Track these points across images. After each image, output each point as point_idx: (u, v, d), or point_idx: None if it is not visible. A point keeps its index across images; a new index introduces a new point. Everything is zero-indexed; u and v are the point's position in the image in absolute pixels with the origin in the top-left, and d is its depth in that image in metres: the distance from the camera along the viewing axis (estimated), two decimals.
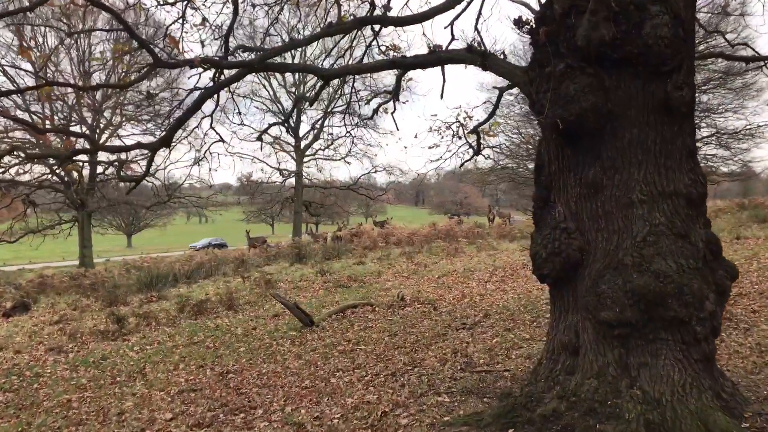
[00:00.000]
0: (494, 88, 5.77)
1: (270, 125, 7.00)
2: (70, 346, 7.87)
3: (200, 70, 4.16)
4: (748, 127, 19.47)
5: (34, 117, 26.02)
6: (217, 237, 46.15)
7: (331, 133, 31.83)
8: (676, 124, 3.34)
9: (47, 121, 25.97)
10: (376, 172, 33.47)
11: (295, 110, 29.65)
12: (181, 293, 12.44)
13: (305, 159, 32.54)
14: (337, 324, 7.89)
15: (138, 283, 13.87)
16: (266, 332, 7.84)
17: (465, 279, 11.11)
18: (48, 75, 25.81)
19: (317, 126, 31.79)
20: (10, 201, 25.47)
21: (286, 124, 7.21)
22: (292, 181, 32.63)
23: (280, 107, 31.82)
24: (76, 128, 26.81)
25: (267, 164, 32.66)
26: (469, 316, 7.60)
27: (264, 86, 31.53)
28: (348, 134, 27.98)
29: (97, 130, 27.58)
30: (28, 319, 10.38)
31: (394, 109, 5.78)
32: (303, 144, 32.18)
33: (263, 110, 31.88)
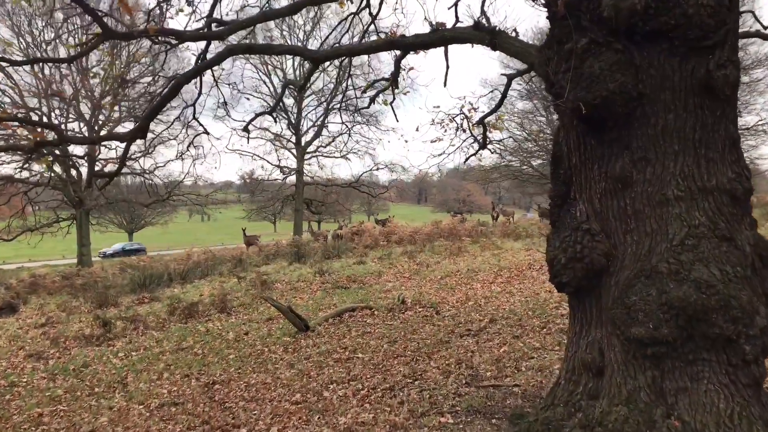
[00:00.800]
0: (502, 75, 5.29)
1: (256, 115, 6.50)
2: (51, 352, 7.45)
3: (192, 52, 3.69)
4: (761, 122, 18.96)
5: (32, 113, 25.59)
6: (133, 242, 39.08)
7: (326, 125, 31.32)
8: (719, 109, 2.87)
9: (44, 118, 25.55)
10: (378, 169, 33.07)
11: (288, 100, 29.31)
12: (174, 294, 12.03)
13: (306, 156, 32.15)
14: (334, 329, 7.44)
15: (131, 284, 13.45)
16: (258, 337, 7.40)
17: (468, 280, 10.65)
18: (44, 70, 25.45)
19: (318, 123, 31.44)
20: (8, 198, 25.16)
21: (274, 114, 6.69)
22: (293, 178, 32.27)
23: (281, 104, 31.42)
24: (73, 125, 26.43)
25: (267, 161, 32.32)
26: (474, 321, 7.14)
27: (264, 83, 31.19)
28: (346, 127, 27.42)
29: (96, 127, 27.16)
30: (14, 322, 9.97)
31: (393, 98, 5.31)
32: (304, 141, 31.79)
33: (265, 107, 31.55)
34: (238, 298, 10.60)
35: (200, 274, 14.83)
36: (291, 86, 6.19)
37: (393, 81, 4.63)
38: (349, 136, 29.56)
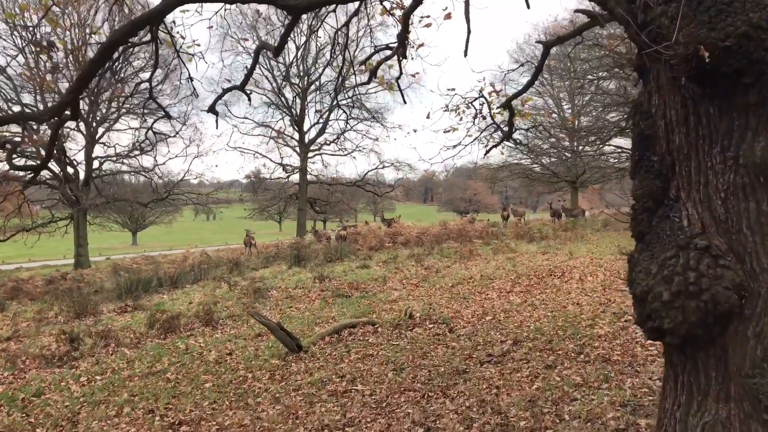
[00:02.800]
0: (537, 42, 4.21)
1: (225, 90, 5.18)
2: (4, 375, 6.46)
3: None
4: None
5: (27, 109, 24.70)
6: None
7: (329, 122, 30.26)
8: None
9: None
10: (383, 167, 31.99)
11: (283, 82, 28.34)
12: (161, 301, 11.06)
13: (310, 154, 31.16)
14: (330, 349, 6.40)
15: (118, 289, 12.49)
16: (243, 359, 6.37)
17: (483, 288, 9.57)
18: (41, 60, 24.57)
19: (322, 118, 30.46)
20: (3, 197, 24.34)
21: (246, 89, 5.51)
22: (296, 177, 31.31)
23: (284, 100, 30.48)
24: (71, 122, 25.52)
25: (270, 159, 31.36)
26: (495, 342, 6.06)
27: (267, 78, 30.19)
28: (344, 114, 26.13)
29: (93, 123, 26.27)
30: None
31: (400, 73, 4.24)
32: (307, 138, 30.80)
33: (267, 103, 30.60)
34: (228, 308, 9.59)
35: (193, 279, 13.84)
36: (265, 49, 5.23)
37: (400, 45, 3.57)
38: (347, 123, 28.44)
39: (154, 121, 5.90)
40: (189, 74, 4.04)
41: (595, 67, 21.06)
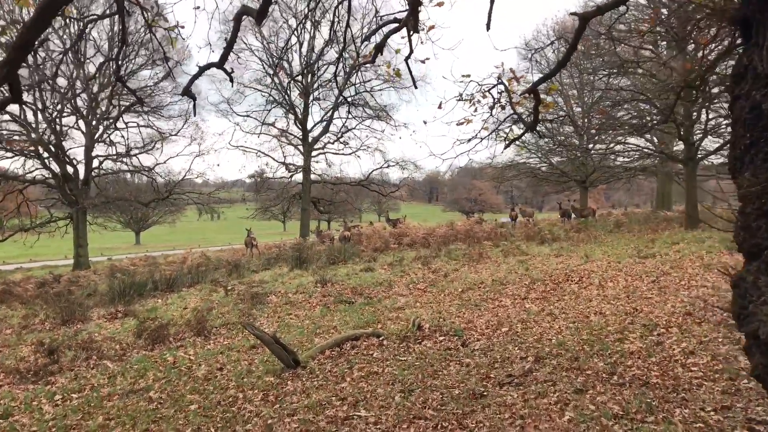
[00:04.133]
0: (572, 15, 3.57)
1: (201, 69, 4.50)
2: None
3: None
4: None
5: (24, 108, 24.23)
6: None
7: (327, 112, 29.56)
8: None
9: (38, 113, 24.21)
10: (388, 167, 31.35)
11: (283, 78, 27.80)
12: (155, 306, 10.49)
13: (314, 153, 30.58)
14: (331, 365, 5.79)
15: (111, 293, 11.93)
16: (234, 375, 5.77)
17: (496, 294, 8.95)
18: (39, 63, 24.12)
19: (327, 114, 29.90)
20: (2, 197, 23.92)
21: (226, 67, 4.81)
22: (300, 176, 30.78)
23: (287, 98, 29.91)
24: (70, 119, 25.06)
25: (272, 158, 30.82)
26: (514, 359, 5.43)
27: (269, 75, 29.62)
28: (345, 101, 25.64)
29: (93, 122, 25.79)
30: None
31: (411, 51, 3.62)
32: (311, 137, 30.23)
33: (270, 101, 30.07)
34: (223, 314, 9.00)
35: (190, 282, 13.27)
36: (247, 15, 4.59)
37: (411, 14, 2.95)
38: (348, 113, 27.77)
39: (126, 108, 5.37)
40: (164, 53, 3.43)
41: (608, 63, 20.26)
